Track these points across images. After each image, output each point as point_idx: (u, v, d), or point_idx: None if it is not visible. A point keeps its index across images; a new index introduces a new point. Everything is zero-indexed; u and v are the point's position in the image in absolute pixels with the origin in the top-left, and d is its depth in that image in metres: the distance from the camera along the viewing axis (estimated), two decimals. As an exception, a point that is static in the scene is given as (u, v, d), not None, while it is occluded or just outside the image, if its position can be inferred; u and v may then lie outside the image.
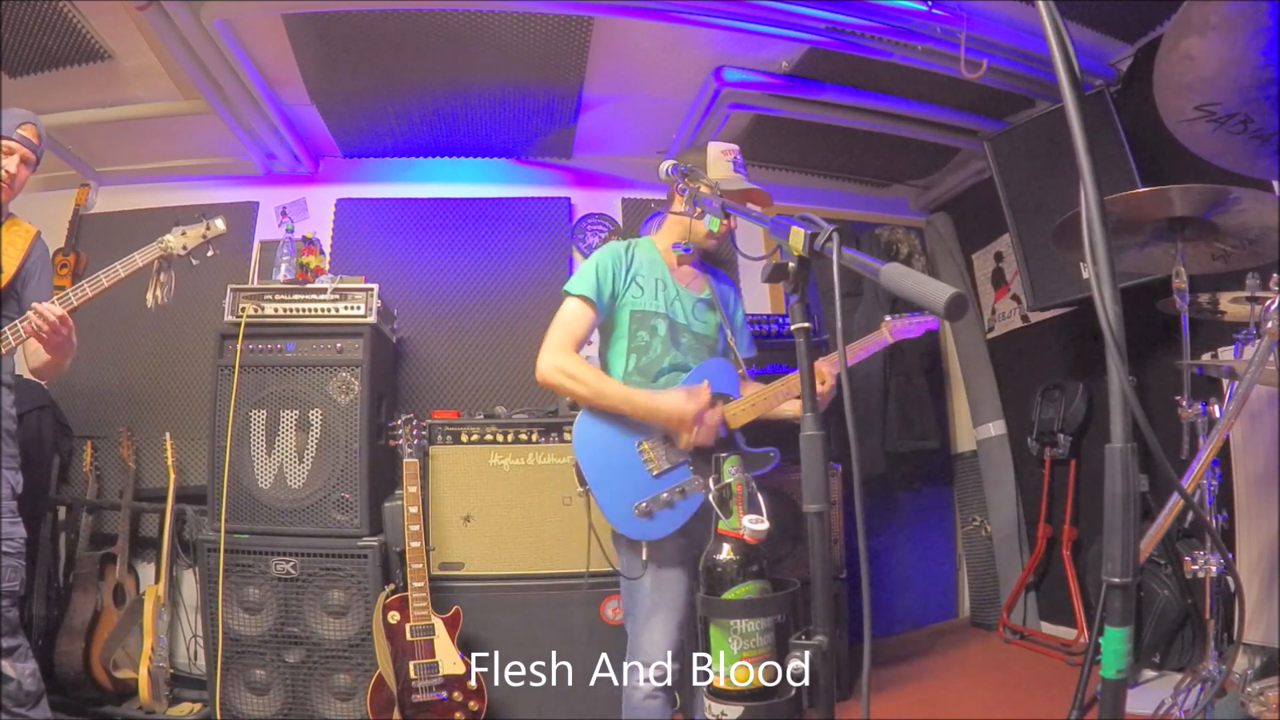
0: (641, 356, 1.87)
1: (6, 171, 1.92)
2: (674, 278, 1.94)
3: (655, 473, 1.75)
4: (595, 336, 1.94)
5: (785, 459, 2.72)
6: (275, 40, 2.60)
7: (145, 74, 2.73)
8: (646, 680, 1.73)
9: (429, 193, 3.53)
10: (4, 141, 1.92)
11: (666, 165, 1.59)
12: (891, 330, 2.02)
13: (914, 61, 2.68)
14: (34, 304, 1.82)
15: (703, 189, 1.52)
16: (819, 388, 1.80)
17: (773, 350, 2.90)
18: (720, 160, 1.87)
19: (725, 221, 1.80)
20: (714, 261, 2.12)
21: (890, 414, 3.57)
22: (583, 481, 1.77)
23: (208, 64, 2.58)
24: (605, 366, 1.92)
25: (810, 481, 1.04)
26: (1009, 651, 3.19)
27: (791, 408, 1.84)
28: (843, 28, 2.52)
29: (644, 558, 1.73)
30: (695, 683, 1.41)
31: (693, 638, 1.88)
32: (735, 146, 1.93)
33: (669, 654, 1.72)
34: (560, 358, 1.78)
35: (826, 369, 1.82)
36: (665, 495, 1.73)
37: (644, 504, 1.71)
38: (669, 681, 1.74)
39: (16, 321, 1.85)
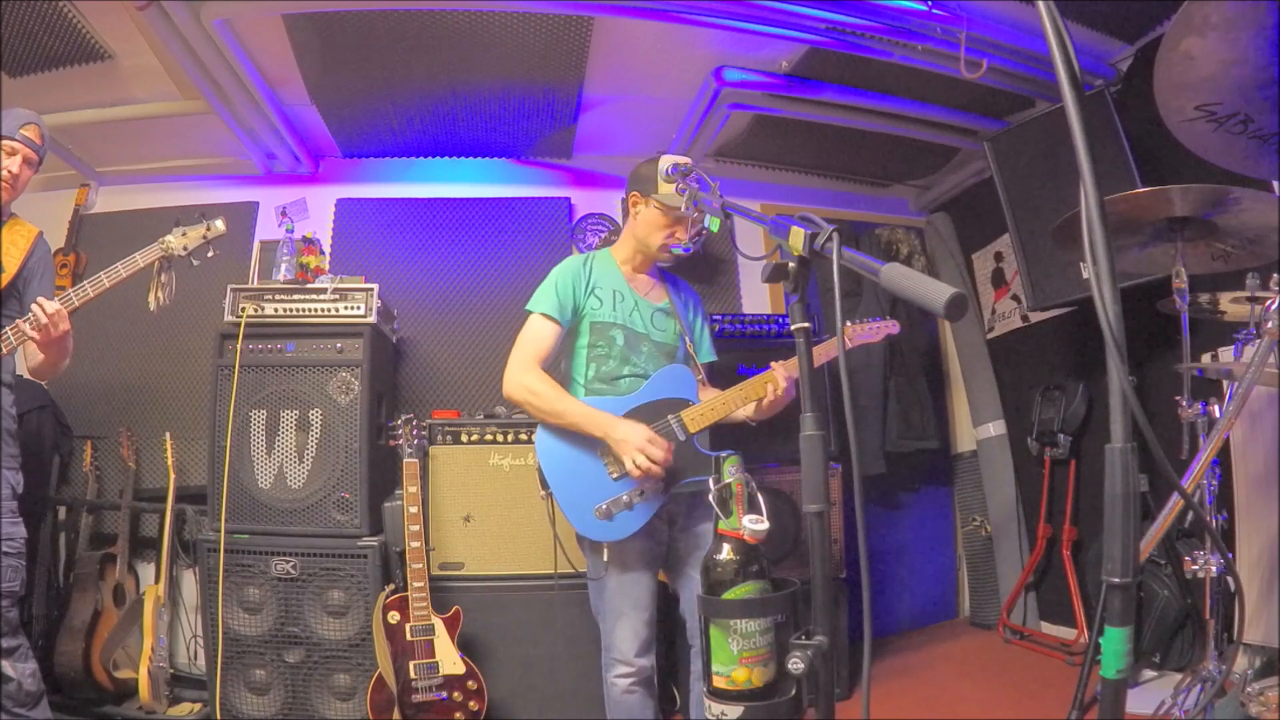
0: (601, 366, 1.90)
1: (9, 171, 1.92)
2: (632, 288, 1.98)
3: (615, 475, 1.78)
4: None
5: (784, 459, 2.75)
6: (275, 40, 2.60)
7: (145, 74, 2.73)
8: (621, 676, 1.78)
9: (429, 193, 3.53)
10: (6, 142, 1.92)
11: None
12: (852, 335, 2.11)
13: (914, 61, 2.68)
14: (37, 299, 1.82)
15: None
16: (773, 393, 1.85)
17: (772, 350, 2.91)
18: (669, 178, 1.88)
19: (670, 233, 1.88)
20: (676, 271, 2.17)
21: (890, 414, 3.57)
22: (545, 485, 1.81)
23: (208, 64, 2.58)
24: (567, 376, 1.96)
25: (810, 481, 1.04)
26: (1009, 651, 3.19)
27: (744, 411, 1.89)
28: (843, 28, 2.52)
29: (605, 559, 1.77)
30: (692, 681, 1.41)
31: (677, 634, 1.89)
32: (689, 159, 1.92)
33: (639, 649, 1.78)
34: (524, 374, 1.83)
35: (781, 374, 1.85)
36: (625, 498, 1.76)
37: (604, 506, 1.75)
38: (642, 676, 1.79)
39: (18, 321, 1.85)
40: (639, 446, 1.71)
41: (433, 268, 3.42)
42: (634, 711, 1.79)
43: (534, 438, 1.87)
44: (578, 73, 2.85)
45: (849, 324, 2.12)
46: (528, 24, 2.55)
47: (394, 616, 2.31)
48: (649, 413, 1.83)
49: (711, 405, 1.85)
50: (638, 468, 1.71)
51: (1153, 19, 2.61)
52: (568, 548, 1.91)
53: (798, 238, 1.05)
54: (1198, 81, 1.43)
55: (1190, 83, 1.44)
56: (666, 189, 1.83)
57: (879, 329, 2.16)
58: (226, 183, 3.46)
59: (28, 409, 2.61)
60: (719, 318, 2.91)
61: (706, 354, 2.06)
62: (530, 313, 1.90)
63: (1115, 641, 0.79)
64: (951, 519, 3.93)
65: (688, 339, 2.01)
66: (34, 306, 1.81)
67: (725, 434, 1.95)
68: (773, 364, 1.89)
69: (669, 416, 1.82)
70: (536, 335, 1.88)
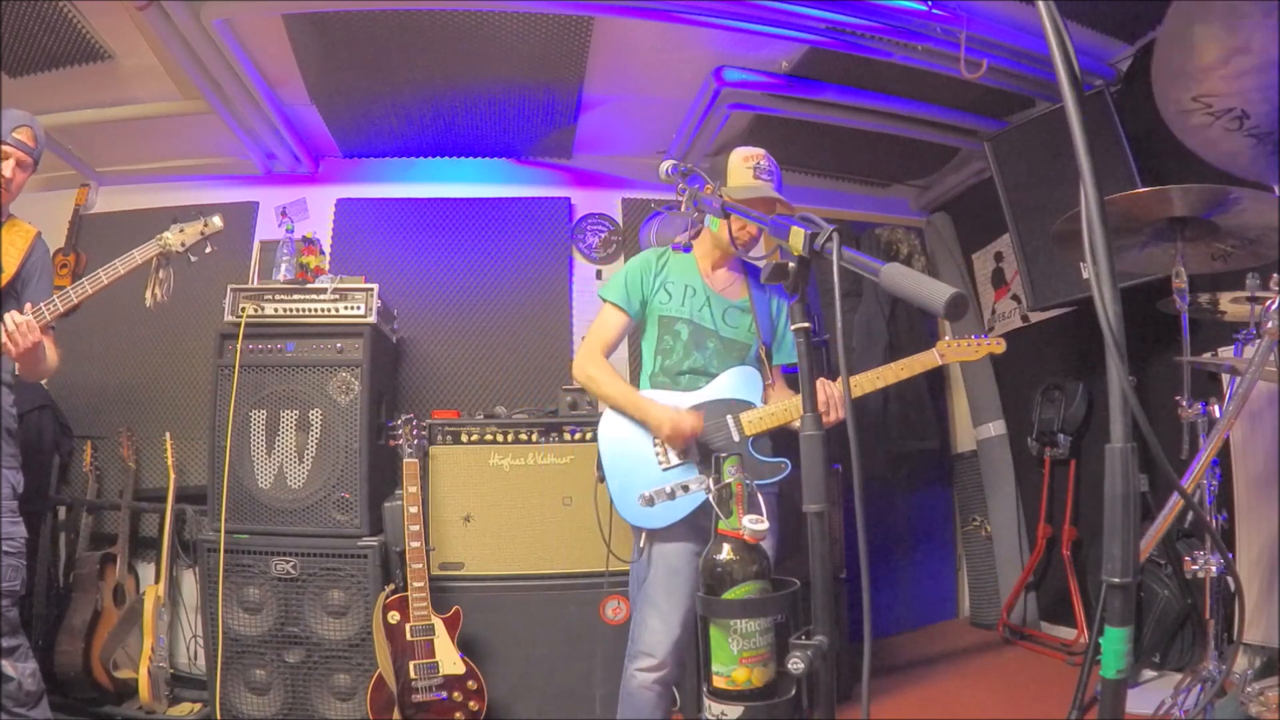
0: (666, 359, 1.93)
1: (3, 176, 1.92)
2: (708, 283, 1.97)
3: (664, 466, 1.81)
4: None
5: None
6: (275, 40, 2.60)
7: (145, 74, 2.73)
8: (643, 670, 1.77)
9: (429, 193, 3.53)
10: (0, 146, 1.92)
11: (667, 165, 1.59)
12: (945, 353, 1.90)
13: (914, 61, 2.68)
14: (7, 312, 1.81)
15: (705, 190, 1.51)
16: (825, 418, 1.81)
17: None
18: (740, 168, 1.88)
19: (741, 226, 1.84)
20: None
21: (890, 414, 3.57)
22: (601, 472, 1.85)
23: (208, 64, 2.58)
24: (640, 367, 2.02)
25: (810, 481, 1.04)
26: (1009, 651, 3.19)
27: (798, 422, 1.85)
28: (843, 28, 2.52)
29: (642, 544, 1.79)
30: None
31: (694, 636, 1.88)
32: (760, 151, 1.92)
33: (663, 647, 1.75)
34: (587, 360, 1.94)
35: (826, 394, 1.81)
36: (668, 488, 1.78)
37: (648, 494, 1.78)
38: (663, 674, 1.77)
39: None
40: (669, 433, 1.77)
41: (433, 268, 3.42)
42: (646, 708, 1.77)
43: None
44: (578, 73, 2.85)
45: (947, 338, 1.94)
46: (528, 24, 2.55)
47: (394, 616, 2.31)
48: (709, 412, 1.84)
49: (772, 411, 1.84)
50: (671, 439, 1.78)
51: (1153, 19, 2.61)
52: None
53: (798, 238, 1.05)
54: (1197, 70, 1.42)
55: (1189, 71, 1.43)
56: (735, 182, 1.86)
57: (979, 346, 1.93)
58: (226, 183, 3.46)
59: (28, 409, 2.61)
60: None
61: (786, 354, 1.99)
62: (603, 300, 1.99)
63: (1115, 641, 0.79)
64: (951, 519, 3.93)
65: (761, 338, 1.97)
66: (4, 318, 1.80)
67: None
68: (819, 380, 1.82)
69: (727, 417, 1.83)
70: (604, 323, 1.96)
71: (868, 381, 1.88)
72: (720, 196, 1.45)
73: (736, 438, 1.82)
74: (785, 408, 1.84)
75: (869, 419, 3.53)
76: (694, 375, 1.90)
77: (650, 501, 1.77)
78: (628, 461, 1.83)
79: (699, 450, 1.82)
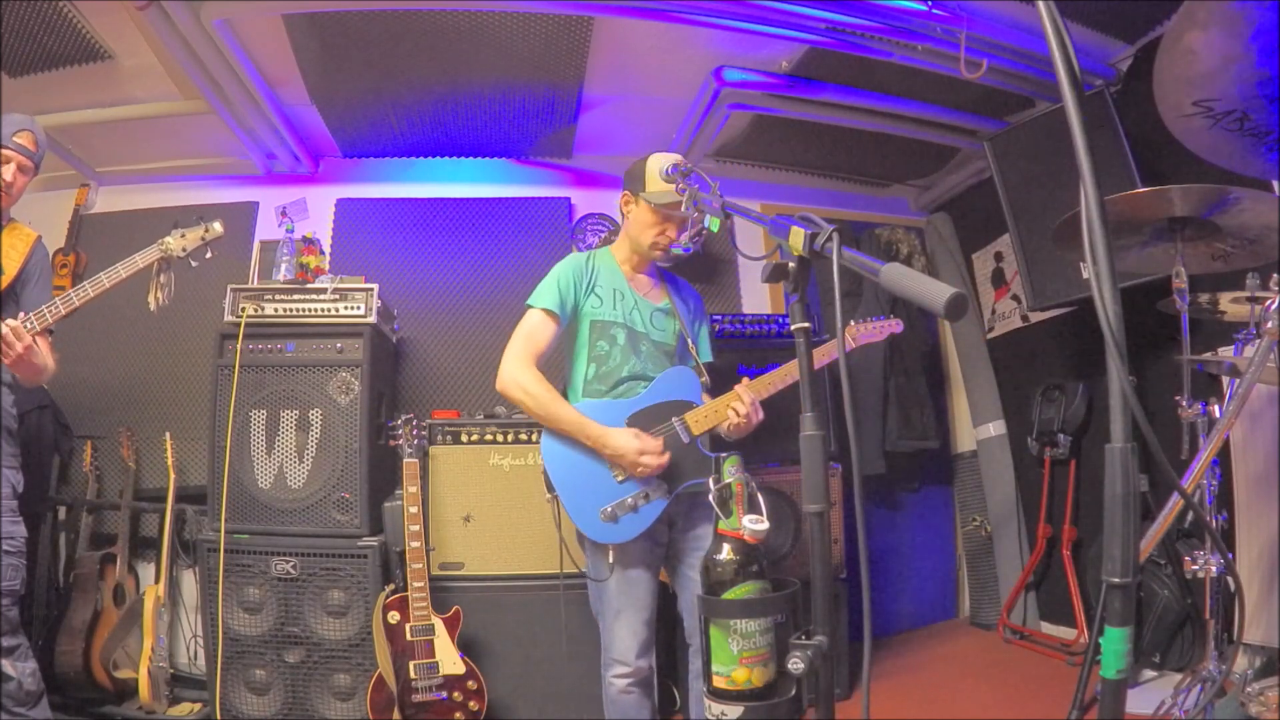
0: (601, 365, 1.90)
1: (3, 180, 1.92)
2: (632, 287, 1.98)
3: (620, 479, 1.79)
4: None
5: (784, 459, 2.75)
6: (275, 40, 2.60)
7: (145, 74, 2.73)
8: (619, 676, 1.79)
9: (429, 193, 3.53)
10: (1, 150, 1.92)
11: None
12: (856, 335, 2.11)
13: (914, 61, 2.68)
14: (4, 320, 1.81)
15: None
16: (733, 419, 1.82)
17: (772, 350, 2.91)
18: (658, 178, 1.83)
19: (660, 231, 1.87)
20: (677, 272, 2.17)
21: (890, 414, 3.57)
22: (550, 487, 1.82)
23: (208, 64, 2.58)
24: (568, 376, 1.96)
25: (810, 481, 1.04)
26: (1009, 651, 3.19)
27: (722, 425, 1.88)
28: (843, 28, 2.52)
29: (610, 560, 1.77)
30: (691, 681, 1.41)
31: (676, 634, 1.89)
32: (678, 158, 1.90)
33: (638, 650, 1.79)
34: (521, 372, 1.82)
35: (746, 398, 1.82)
36: (629, 500, 1.77)
37: (609, 509, 1.76)
38: (639, 677, 1.80)
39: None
40: (633, 461, 1.74)
41: (433, 268, 3.42)
42: (630, 711, 1.80)
43: (539, 439, 1.87)
44: (578, 73, 2.85)
45: (852, 324, 2.14)
46: (528, 24, 2.55)
47: (394, 616, 2.31)
48: (654, 415, 1.83)
49: (715, 408, 1.85)
50: (631, 473, 1.75)
51: (1153, 19, 2.61)
52: (570, 548, 1.92)
53: (798, 238, 1.05)
54: (1197, 77, 1.43)
55: (1190, 78, 1.44)
56: (654, 188, 1.83)
57: (882, 328, 2.15)
58: (226, 183, 3.45)
59: (28, 409, 2.61)
60: (719, 318, 2.91)
61: (704, 355, 2.05)
62: (530, 307, 1.90)
63: (1115, 641, 0.79)
64: (951, 519, 3.93)
65: (688, 339, 2.01)
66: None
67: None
68: (737, 387, 1.86)
69: (673, 419, 1.83)
70: (535, 330, 1.87)
71: (787, 372, 1.89)
72: (720, 196, 1.45)
73: (686, 439, 1.83)
74: (726, 400, 1.85)
75: (869, 419, 3.53)
76: (633, 381, 1.89)
77: (613, 517, 1.76)
78: (580, 477, 1.79)
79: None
